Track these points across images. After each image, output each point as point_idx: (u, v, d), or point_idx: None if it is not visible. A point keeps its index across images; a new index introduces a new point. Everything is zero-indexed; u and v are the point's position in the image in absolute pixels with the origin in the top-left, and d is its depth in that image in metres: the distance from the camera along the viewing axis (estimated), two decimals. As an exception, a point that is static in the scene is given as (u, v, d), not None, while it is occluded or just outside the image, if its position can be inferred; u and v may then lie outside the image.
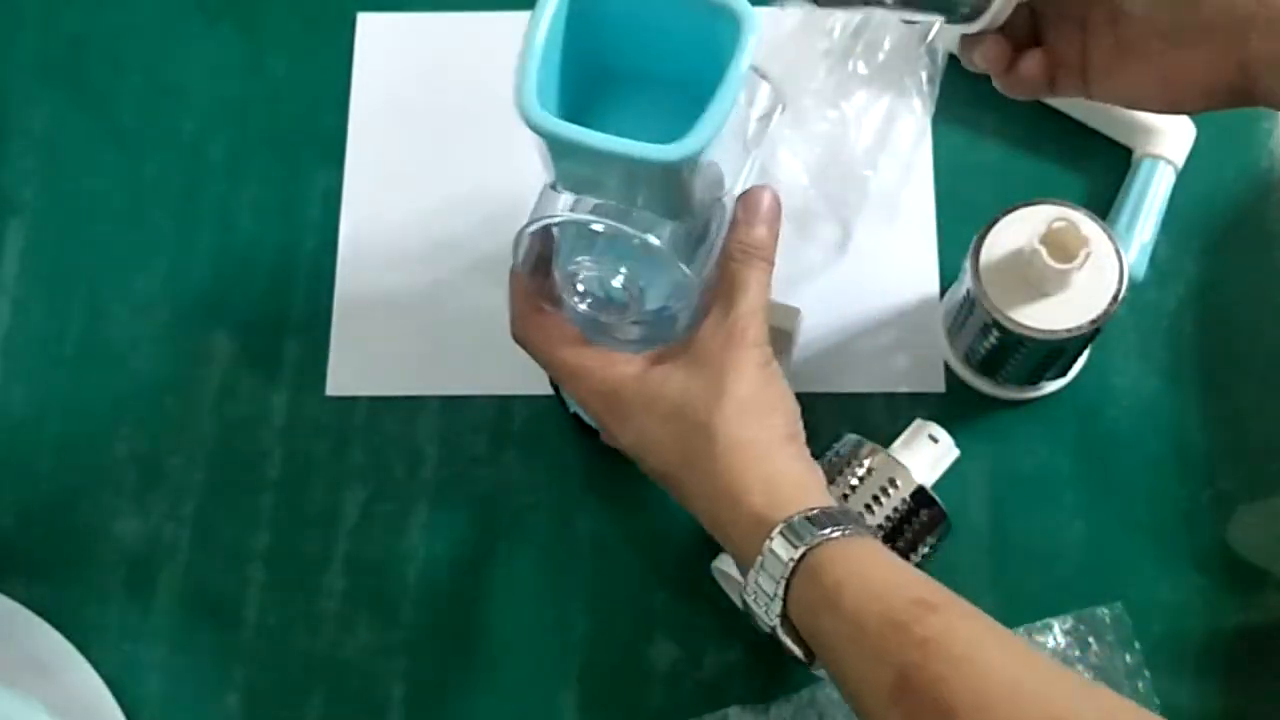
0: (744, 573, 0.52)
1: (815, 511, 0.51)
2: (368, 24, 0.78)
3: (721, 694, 0.66)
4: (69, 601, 0.68)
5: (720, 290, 0.55)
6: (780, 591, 0.50)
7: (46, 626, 0.66)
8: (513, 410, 0.70)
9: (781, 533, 0.50)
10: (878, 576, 0.50)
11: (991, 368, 0.67)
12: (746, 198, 0.56)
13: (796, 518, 0.51)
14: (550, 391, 0.69)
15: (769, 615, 0.51)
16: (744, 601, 0.53)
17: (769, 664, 0.66)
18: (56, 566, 0.69)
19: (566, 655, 0.67)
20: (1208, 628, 0.66)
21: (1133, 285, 0.63)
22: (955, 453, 0.64)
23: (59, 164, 0.76)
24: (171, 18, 0.78)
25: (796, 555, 0.50)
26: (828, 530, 0.50)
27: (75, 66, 0.78)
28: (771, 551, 0.50)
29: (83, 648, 0.66)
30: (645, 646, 0.67)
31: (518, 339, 0.58)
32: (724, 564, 0.63)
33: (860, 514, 0.61)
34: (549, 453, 0.70)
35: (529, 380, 0.67)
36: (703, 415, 0.54)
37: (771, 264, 0.56)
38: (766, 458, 0.53)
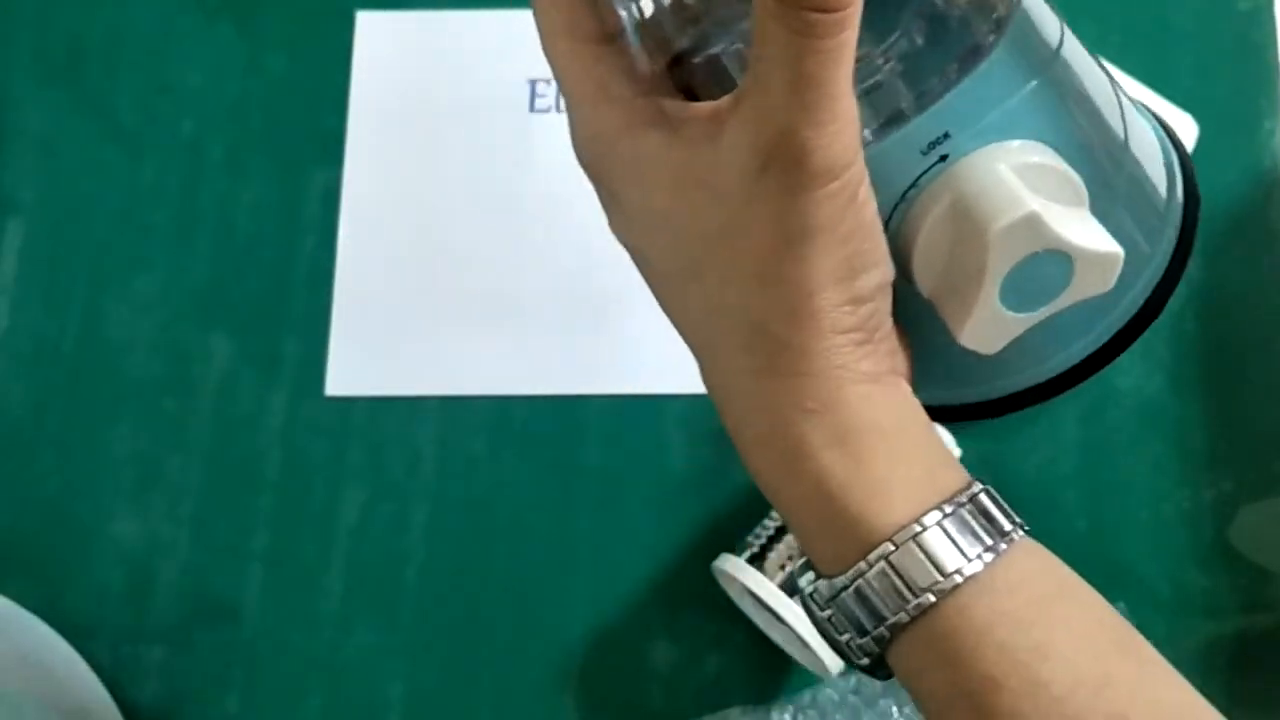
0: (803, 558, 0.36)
1: (931, 525, 0.34)
2: (367, 22, 0.77)
3: (722, 695, 0.65)
4: (68, 601, 0.68)
5: (750, 75, 0.32)
6: (875, 647, 0.35)
7: (45, 627, 0.66)
8: (513, 410, 0.70)
9: (888, 563, 0.34)
10: (1049, 674, 0.34)
11: (993, 367, 0.67)
12: None
13: (910, 534, 0.34)
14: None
15: (849, 653, 0.36)
16: (805, 606, 0.36)
17: (770, 665, 0.65)
18: (55, 566, 0.69)
19: (566, 656, 0.66)
20: (1210, 628, 0.66)
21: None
22: (956, 452, 0.64)
23: (57, 164, 0.76)
24: (170, 16, 0.78)
25: (910, 608, 0.34)
26: (956, 574, 0.34)
27: (73, 66, 0.77)
28: (870, 587, 0.34)
29: (82, 648, 0.66)
30: (645, 647, 0.66)
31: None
32: (724, 564, 0.63)
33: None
34: (549, 453, 0.70)
35: (529, 380, 0.67)
36: (712, 278, 0.34)
37: (847, 45, 0.30)
38: (832, 383, 0.34)
